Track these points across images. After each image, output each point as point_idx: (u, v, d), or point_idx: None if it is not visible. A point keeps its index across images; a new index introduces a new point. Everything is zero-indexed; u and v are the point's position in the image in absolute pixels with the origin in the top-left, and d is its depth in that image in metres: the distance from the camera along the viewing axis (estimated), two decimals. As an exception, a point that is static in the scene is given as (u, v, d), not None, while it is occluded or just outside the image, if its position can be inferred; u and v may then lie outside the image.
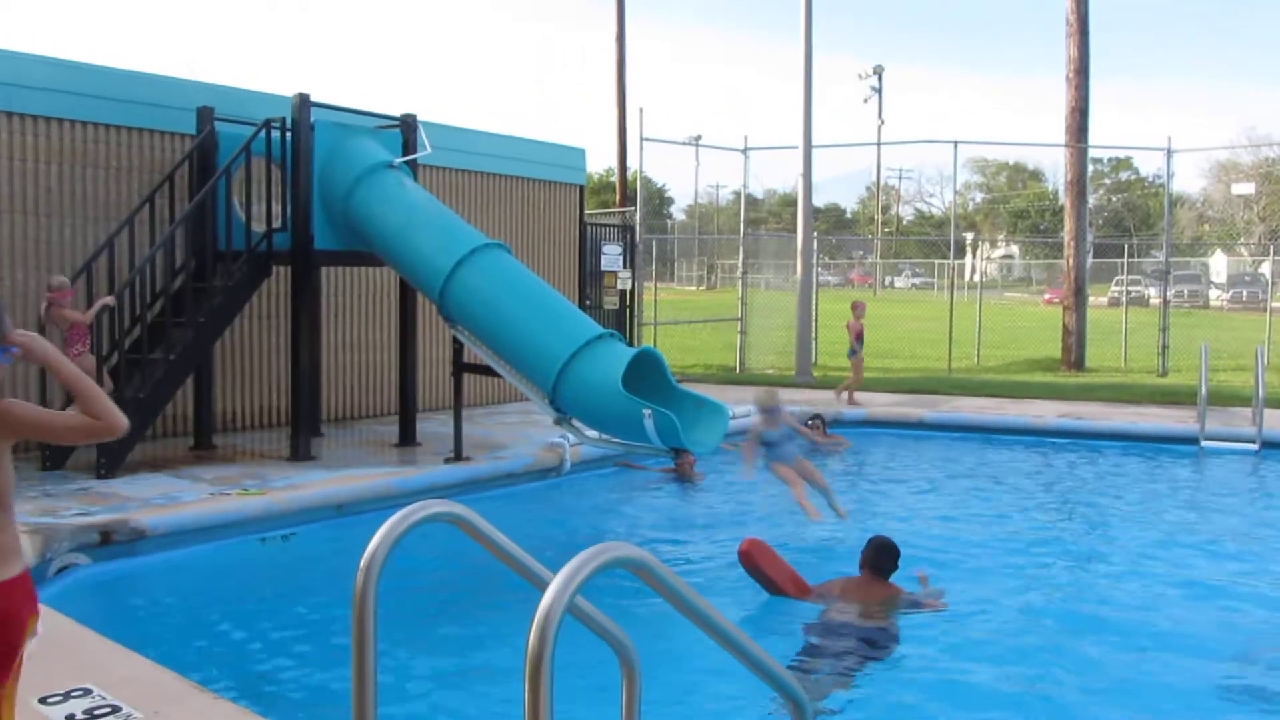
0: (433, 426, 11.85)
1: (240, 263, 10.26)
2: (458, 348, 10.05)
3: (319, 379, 11.90)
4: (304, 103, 10.12)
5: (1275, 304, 31.41)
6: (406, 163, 10.82)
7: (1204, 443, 12.78)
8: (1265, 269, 40.01)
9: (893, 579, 6.82)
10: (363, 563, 2.88)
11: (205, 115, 10.82)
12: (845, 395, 15.53)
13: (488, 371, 9.64)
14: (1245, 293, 45.95)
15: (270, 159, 10.26)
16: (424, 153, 11.01)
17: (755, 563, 6.97)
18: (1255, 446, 12.56)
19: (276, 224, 10.29)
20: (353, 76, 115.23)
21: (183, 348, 9.80)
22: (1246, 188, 53.59)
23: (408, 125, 11.14)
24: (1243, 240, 59.04)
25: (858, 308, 16.13)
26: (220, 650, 5.97)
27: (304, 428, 10.29)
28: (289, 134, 10.18)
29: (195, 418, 10.88)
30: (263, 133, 10.17)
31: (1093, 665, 6.02)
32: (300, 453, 10.14)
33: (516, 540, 3.19)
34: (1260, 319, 25.25)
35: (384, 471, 9.76)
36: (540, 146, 15.87)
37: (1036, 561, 8.27)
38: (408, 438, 11.18)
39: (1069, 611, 7.05)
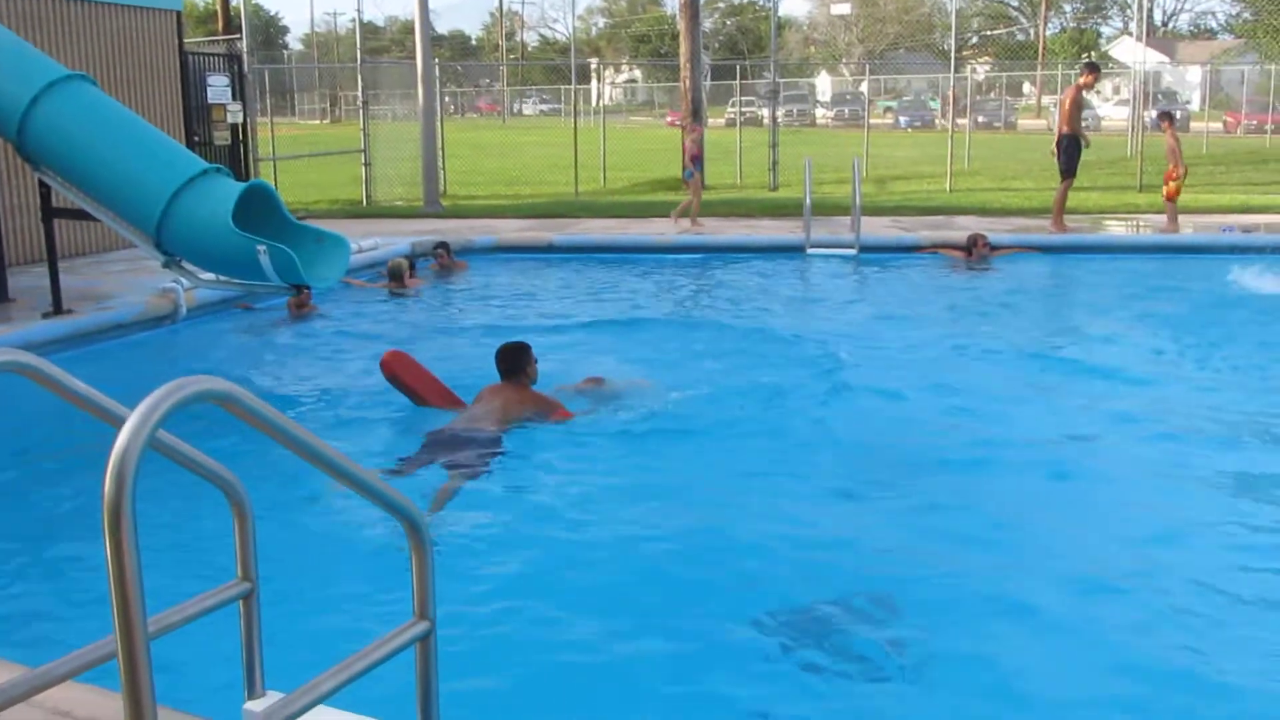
0: (28, 280, 10.85)
1: None
2: (45, 191, 9.17)
3: (-116, 236, 10.59)
4: None
5: (873, 120, 33.80)
6: (-37, -15, 9.56)
7: (809, 250, 13.72)
8: (864, 88, 42.90)
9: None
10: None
11: None
12: (686, 221, 15.60)
13: (83, 216, 8.87)
14: (847, 110, 49.17)
15: None
16: (-17, -27, 9.76)
17: (395, 373, 6.96)
18: (854, 251, 13.61)
19: None
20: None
21: None
22: (844, 8, 57.19)
23: (-40, -59, 9.81)
24: (844, 61, 62.79)
25: (694, 130, 16.15)
26: None
27: None
28: None
29: None
30: None
31: (692, 446, 6.46)
32: None
33: (127, 393, 2.93)
34: (860, 134, 27.11)
35: (-28, 332, 8.87)
36: (126, -32, 14.42)
37: (663, 365, 8.64)
38: (-2, 294, 10.19)
39: (673, 413, 7.38)
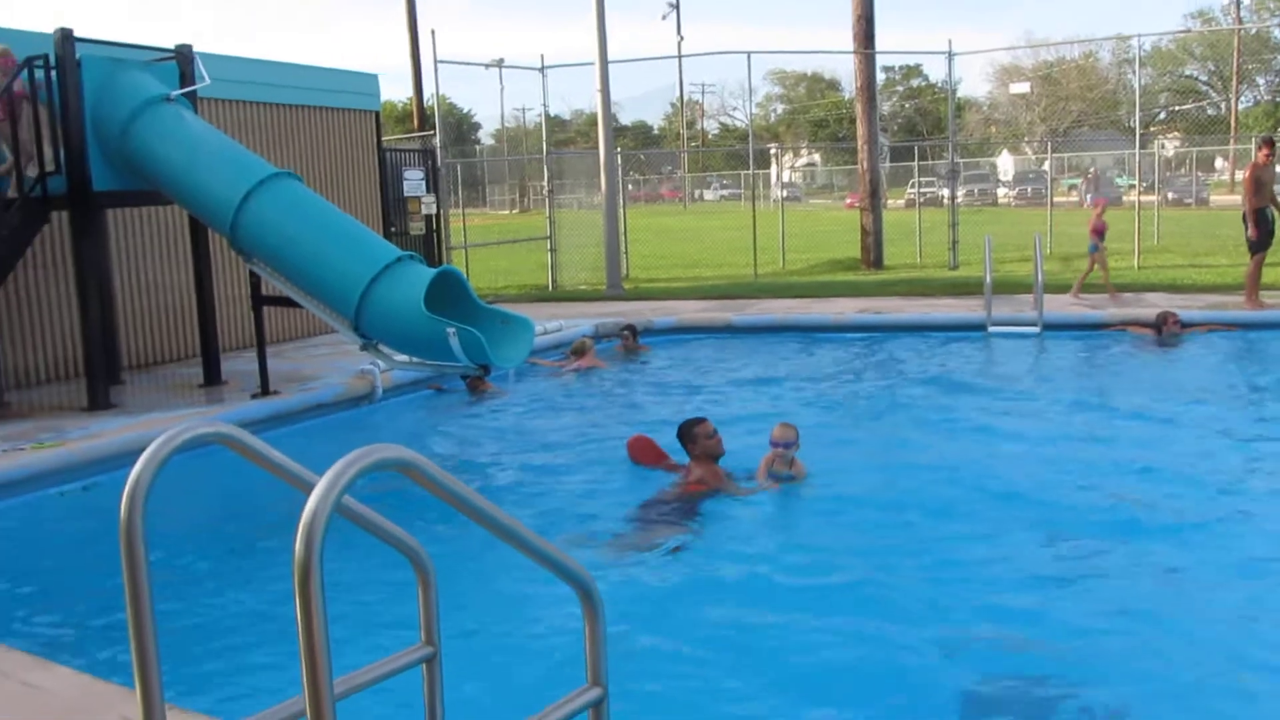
0: (240, 365, 11.58)
1: (13, 210, 9.71)
2: (255, 281, 9.82)
3: (115, 325, 11.53)
4: (67, 38, 9.55)
5: (1057, 198, 33.03)
6: (185, 96, 10.38)
7: (990, 328, 13.50)
8: (1047, 166, 42.01)
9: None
10: (126, 492, 2.73)
11: (-44, 56, 10.13)
12: (1093, 293, 15.57)
13: (289, 303, 9.46)
14: (1030, 189, 48.19)
15: (36, 99, 9.69)
16: (202, 84, 10.57)
17: (636, 456, 7.69)
18: (1037, 329, 13.33)
19: (50, 167, 9.76)
20: (122, 10, 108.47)
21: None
22: (1022, 87, 56.46)
23: (183, 57, 10.64)
24: (1027, 139, 61.69)
25: (1099, 204, 16.50)
26: (19, 606, 5.78)
27: (100, 376, 9.91)
28: (54, 72, 9.62)
29: (-18, 375, 10.34)
30: (24, 72, 9.57)
31: (857, 537, 6.38)
32: (98, 402, 9.78)
33: (325, 468, 3.12)
34: (1043, 213, 26.56)
35: (189, 413, 9.52)
36: (330, 74, 15.43)
37: (843, 441, 8.60)
38: (213, 377, 10.89)
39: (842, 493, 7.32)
